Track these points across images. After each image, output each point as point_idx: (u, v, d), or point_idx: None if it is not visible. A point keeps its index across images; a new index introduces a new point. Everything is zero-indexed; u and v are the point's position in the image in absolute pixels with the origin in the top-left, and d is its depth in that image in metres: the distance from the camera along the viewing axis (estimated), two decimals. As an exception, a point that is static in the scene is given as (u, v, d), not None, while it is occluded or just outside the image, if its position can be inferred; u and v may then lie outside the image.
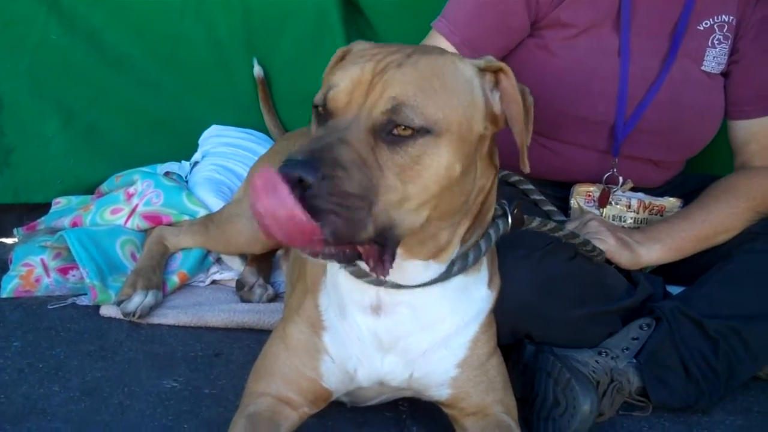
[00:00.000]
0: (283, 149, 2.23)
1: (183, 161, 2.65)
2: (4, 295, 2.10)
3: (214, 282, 2.31)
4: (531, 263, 1.62)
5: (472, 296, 1.41)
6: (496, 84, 1.27)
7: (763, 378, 1.89)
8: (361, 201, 1.08)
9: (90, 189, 2.56)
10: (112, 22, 2.57)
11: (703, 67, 1.91)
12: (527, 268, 1.61)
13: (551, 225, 1.55)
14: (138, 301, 1.99)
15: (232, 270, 2.32)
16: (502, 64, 1.26)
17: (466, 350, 1.42)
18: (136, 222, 2.31)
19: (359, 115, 1.15)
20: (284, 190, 1.02)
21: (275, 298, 2.21)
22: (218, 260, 2.34)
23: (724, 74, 1.95)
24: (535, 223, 1.51)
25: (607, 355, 1.68)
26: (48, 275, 2.16)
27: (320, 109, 1.21)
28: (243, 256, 2.31)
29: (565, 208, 1.98)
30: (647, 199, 1.98)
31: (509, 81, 1.26)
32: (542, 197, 1.87)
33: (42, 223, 2.44)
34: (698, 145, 1.99)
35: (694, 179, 2.06)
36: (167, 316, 2.03)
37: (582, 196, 1.98)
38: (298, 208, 1.02)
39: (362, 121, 1.14)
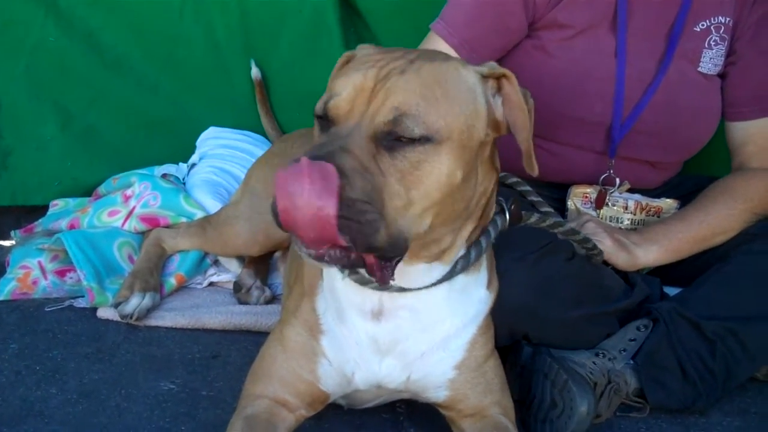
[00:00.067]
0: (280, 151, 2.24)
1: (180, 163, 2.65)
2: (1, 298, 2.10)
3: (211, 284, 2.31)
4: (528, 264, 1.62)
5: (471, 297, 1.41)
6: (499, 90, 1.27)
7: (761, 379, 1.89)
8: (368, 205, 1.07)
9: (87, 191, 2.56)
10: (110, 24, 2.57)
11: (699, 69, 1.91)
12: (524, 269, 1.61)
13: (550, 221, 1.55)
14: (135, 303, 1.99)
15: (229, 272, 2.32)
16: (506, 70, 1.26)
17: (464, 352, 1.42)
18: (134, 224, 2.30)
19: (361, 122, 1.14)
20: (335, 180, 1.02)
21: (272, 300, 2.21)
22: (216, 262, 2.34)
23: (721, 75, 1.95)
24: (534, 218, 1.51)
25: (605, 356, 1.68)
26: (45, 277, 2.16)
27: (322, 117, 1.20)
28: (240, 258, 2.31)
29: (562, 209, 1.98)
30: (644, 200, 1.98)
31: (512, 87, 1.25)
32: (539, 199, 1.87)
33: (39, 225, 2.44)
34: (695, 147, 2.00)
35: (691, 180, 2.06)
36: (164, 318, 2.03)
37: (579, 198, 1.98)
38: (336, 204, 1.01)
39: (363, 129, 1.13)
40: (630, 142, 1.90)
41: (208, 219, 2.26)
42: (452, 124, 1.17)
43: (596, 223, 1.82)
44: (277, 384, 1.41)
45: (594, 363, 1.65)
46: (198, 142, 2.69)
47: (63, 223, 2.36)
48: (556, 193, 2.00)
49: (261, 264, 2.28)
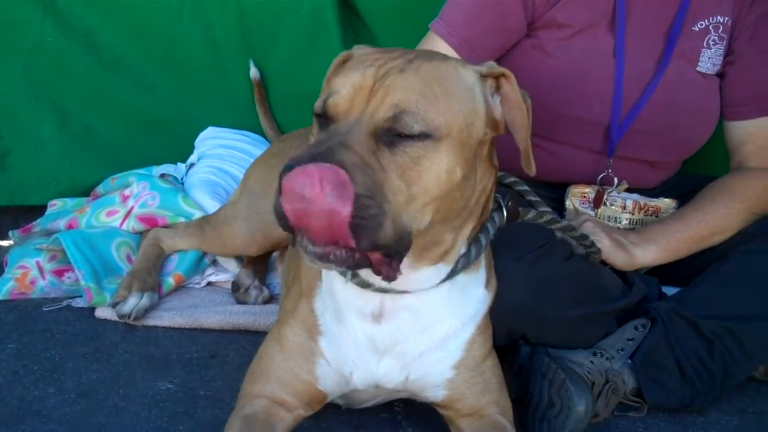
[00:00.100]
0: (279, 151, 2.23)
1: (179, 163, 2.64)
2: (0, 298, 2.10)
3: (209, 284, 2.31)
4: (526, 264, 1.62)
5: (470, 297, 1.41)
6: (497, 89, 1.27)
7: (759, 378, 1.89)
8: (370, 200, 1.07)
9: (86, 191, 2.56)
10: (108, 24, 2.57)
11: (698, 68, 1.91)
12: (522, 269, 1.61)
13: (548, 217, 1.55)
14: (133, 303, 1.99)
15: (227, 272, 2.31)
16: (505, 70, 1.26)
17: (462, 352, 1.41)
18: (132, 224, 2.30)
19: (360, 119, 1.14)
20: (349, 184, 1.03)
21: (271, 299, 2.21)
22: (214, 262, 2.34)
23: (720, 75, 1.95)
24: (531, 214, 1.51)
25: (602, 355, 1.68)
26: (43, 277, 2.15)
27: (320, 115, 1.20)
28: (239, 258, 2.31)
29: (560, 209, 1.98)
30: (642, 200, 1.98)
31: (511, 87, 1.25)
32: (538, 198, 1.87)
33: (37, 225, 2.43)
34: (693, 146, 2.00)
35: (689, 180, 2.06)
36: (163, 318, 2.02)
37: (577, 197, 1.98)
38: (351, 205, 1.02)
39: (363, 125, 1.13)
40: (628, 142, 1.91)
41: (206, 219, 2.26)
42: (451, 122, 1.17)
43: (594, 222, 1.83)
44: (275, 384, 1.41)
45: (592, 362, 1.65)
46: (196, 142, 2.69)
47: (61, 223, 2.35)
48: (555, 192, 2.00)
49: (259, 264, 2.27)
